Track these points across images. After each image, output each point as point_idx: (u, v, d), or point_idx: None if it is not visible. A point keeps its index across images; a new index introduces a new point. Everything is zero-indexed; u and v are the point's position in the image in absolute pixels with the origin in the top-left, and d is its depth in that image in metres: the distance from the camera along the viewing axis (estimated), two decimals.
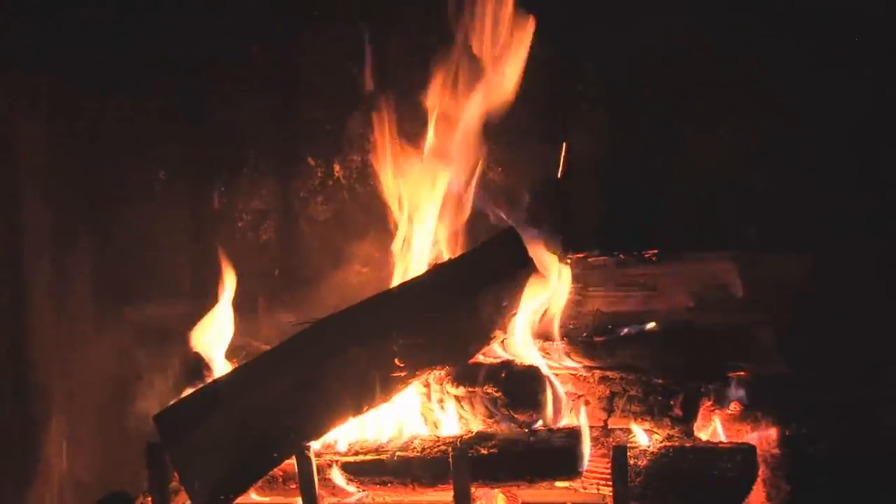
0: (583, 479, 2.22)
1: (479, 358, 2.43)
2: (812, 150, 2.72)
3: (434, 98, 2.66)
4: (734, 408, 2.42)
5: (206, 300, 2.65)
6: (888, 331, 2.58)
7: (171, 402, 2.24)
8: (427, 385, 2.40)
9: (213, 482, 2.11)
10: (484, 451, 2.16)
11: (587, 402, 2.41)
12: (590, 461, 2.20)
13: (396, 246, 2.67)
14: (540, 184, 2.82)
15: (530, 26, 2.60)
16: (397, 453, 2.22)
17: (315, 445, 2.23)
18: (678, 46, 2.77)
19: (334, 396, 2.21)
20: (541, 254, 2.46)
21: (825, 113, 2.70)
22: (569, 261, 2.62)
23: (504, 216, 2.57)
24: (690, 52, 2.78)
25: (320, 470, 2.22)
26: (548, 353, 2.46)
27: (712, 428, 2.40)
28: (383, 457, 2.22)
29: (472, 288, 2.32)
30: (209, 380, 2.38)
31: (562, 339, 2.47)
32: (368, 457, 2.23)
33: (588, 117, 2.86)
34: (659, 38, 2.78)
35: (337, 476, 2.24)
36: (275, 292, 2.92)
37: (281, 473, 2.29)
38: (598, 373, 2.42)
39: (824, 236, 2.64)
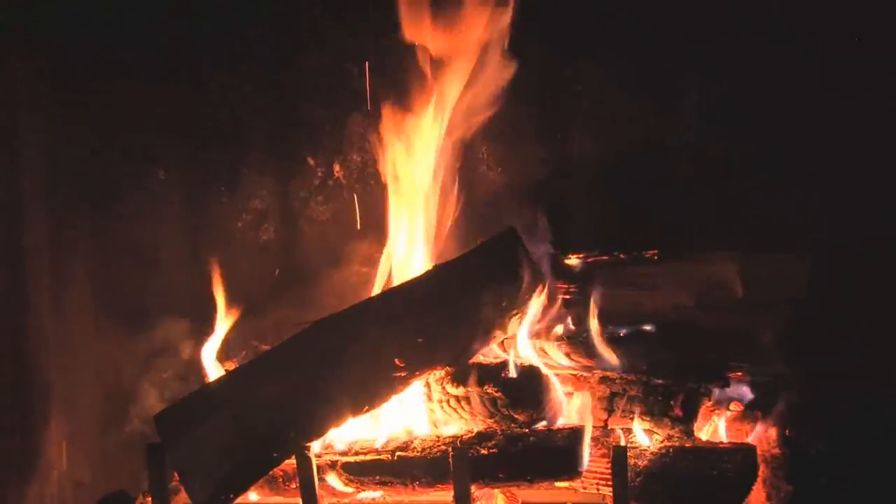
0: (583, 479, 2.22)
1: (479, 358, 2.43)
2: (811, 150, 2.72)
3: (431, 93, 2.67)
4: (734, 408, 2.43)
5: (206, 299, 2.64)
6: (888, 330, 2.58)
7: (171, 402, 2.24)
8: (427, 385, 2.40)
9: (213, 482, 2.11)
10: (484, 451, 2.16)
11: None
12: (590, 461, 2.20)
13: (395, 246, 2.67)
14: (540, 184, 2.82)
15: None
16: (397, 453, 2.22)
17: (315, 445, 2.23)
18: (678, 45, 2.78)
19: (334, 396, 2.21)
20: (541, 254, 2.46)
21: (825, 112, 2.70)
22: (569, 261, 2.63)
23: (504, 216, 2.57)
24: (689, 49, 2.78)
25: (320, 470, 2.22)
26: (548, 353, 2.46)
27: (712, 428, 2.40)
28: (383, 457, 2.22)
29: (473, 288, 2.32)
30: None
31: (562, 339, 2.47)
32: (368, 457, 2.23)
33: (588, 117, 2.86)
34: (658, 37, 2.78)
35: (333, 479, 2.24)
36: (275, 292, 2.92)
37: (281, 473, 2.29)
38: (598, 373, 2.42)
39: (823, 236, 2.64)
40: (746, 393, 2.43)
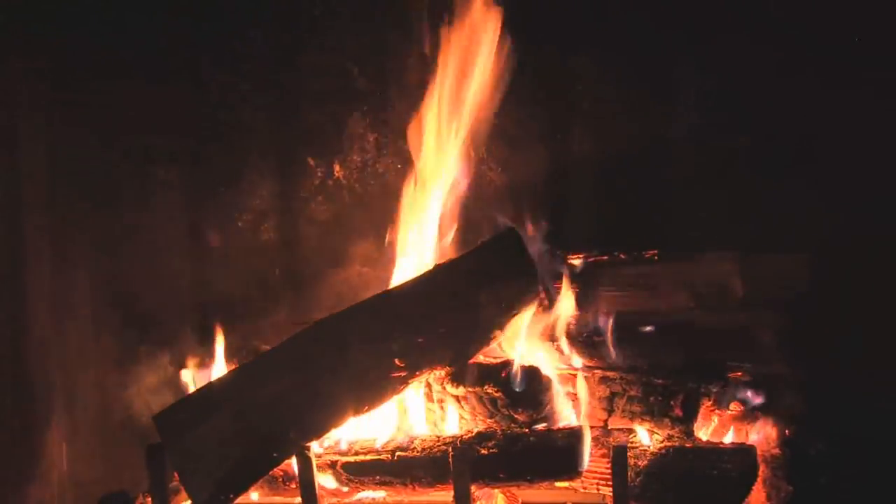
0: (583, 479, 2.22)
1: (480, 358, 2.43)
2: (811, 150, 2.72)
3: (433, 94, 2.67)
4: (734, 408, 2.42)
5: (206, 298, 2.65)
6: (888, 330, 2.58)
7: (172, 403, 2.24)
8: (427, 385, 2.40)
9: (213, 482, 2.11)
10: (484, 451, 2.16)
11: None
12: (590, 461, 2.20)
13: (397, 245, 2.67)
14: (540, 184, 2.82)
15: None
16: (397, 453, 2.22)
17: (315, 445, 2.23)
18: (678, 45, 2.78)
19: (334, 396, 2.21)
20: (541, 254, 2.46)
21: (825, 112, 2.70)
22: (569, 261, 2.62)
23: (504, 216, 2.57)
24: (689, 49, 2.78)
25: (320, 470, 2.22)
26: (548, 353, 2.46)
27: (712, 428, 2.40)
28: (383, 457, 2.22)
29: (473, 288, 2.32)
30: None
31: (562, 339, 2.47)
32: (368, 457, 2.24)
33: (588, 117, 2.86)
34: (658, 36, 2.79)
35: (332, 479, 2.24)
36: (275, 292, 2.92)
37: (281, 473, 2.30)
38: (598, 373, 2.42)
39: (824, 236, 2.64)
40: (746, 393, 2.43)
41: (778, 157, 2.74)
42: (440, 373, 2.35)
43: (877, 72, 2.67)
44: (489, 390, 2.29)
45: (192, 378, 2.52)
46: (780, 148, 2.74)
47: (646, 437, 2.31)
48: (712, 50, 2.75)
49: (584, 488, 2.28)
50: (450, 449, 2.15)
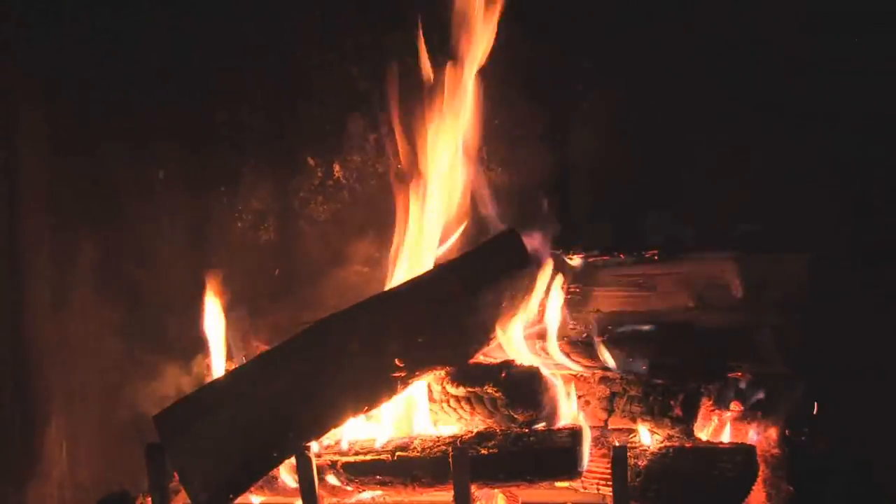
0: (583, 479, 2.22)
1: (480, 358, 2.43)
2: (811, 151, 2.72)
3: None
4: (734, 408, 2.42)
5: (206, 299, 2.64)
6: (888, 330, 2.58)
7: (172, 403, 2.24)
8: (427, 385, 2.40)
9: (213, 482, 2.11)
10: (484, 451, 2.16)
11: (587, 402, 2.41)
12: (590, 461, 2.20)
13: (396, 246, 2.67)
14: (539, 184, 2.82)
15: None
16: (397, 453, 2.22)
17: (315, 445, 2.23)
18: (679, 46, 2.78)
19: (334, 396, 2.21)
20: (540, 254, 2.46)
21: (826, 112, 2.70)
22: (569, 261, 2.63)
23: (504, 216, 2.57)
24: (691, 52, 2.78)
25: (320, 470, 2.22)
26: (548, 353, 2.46)
27: (712, 428, 2.40)
28: (383, 457, 2.22)
29: (473, 288, 2.33)
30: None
31: (562, 339, 2.47)
32: (368, 457, 2.23)
33: (588, 116, 2.86)
34: (660, 39, 2.78)
35: (333, 479, 2.24)
36: (275, 292, 2.92)
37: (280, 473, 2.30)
38: (598, 373, 2.42)
39: (823, 236, 2.64)
40: (746, 393, 2.43)
41: (779, 157, 2.74)
42: (440, 373, 2.35)
43: (876, 70, 2.67)
44: (489, 390, 2.29)
45: (192, 378, 2.52)
46: (781, 147, 2.74)
47: (646, 437, 2.31)
48: (714, 52, 2.75)
49: (584, 488, 2.27)
50: (450, 449, 2.15)
